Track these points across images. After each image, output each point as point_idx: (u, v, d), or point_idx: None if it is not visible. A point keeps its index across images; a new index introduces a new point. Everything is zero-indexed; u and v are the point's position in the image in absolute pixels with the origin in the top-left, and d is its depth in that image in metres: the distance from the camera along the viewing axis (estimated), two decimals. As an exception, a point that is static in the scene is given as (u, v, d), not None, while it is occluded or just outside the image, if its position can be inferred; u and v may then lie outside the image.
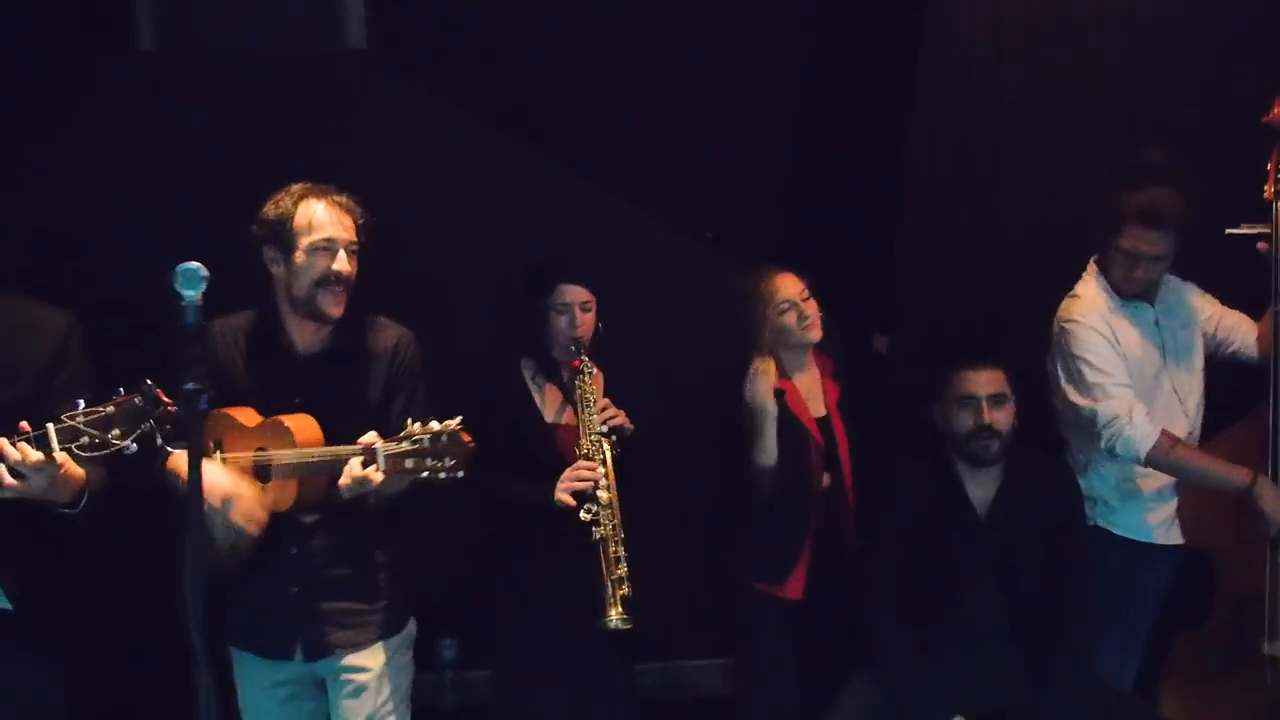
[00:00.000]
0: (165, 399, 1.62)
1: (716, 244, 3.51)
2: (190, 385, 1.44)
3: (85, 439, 1.63)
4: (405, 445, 1.85)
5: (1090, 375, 2.48)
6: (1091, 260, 2.63)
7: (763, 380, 2.44)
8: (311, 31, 3.59)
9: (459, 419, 1.87)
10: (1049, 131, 3.01)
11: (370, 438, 1.88)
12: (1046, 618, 2.35)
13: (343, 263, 2.01)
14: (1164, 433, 2.43)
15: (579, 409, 2.41)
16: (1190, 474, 2.49)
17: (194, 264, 1.46)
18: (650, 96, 3.45)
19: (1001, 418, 2.38)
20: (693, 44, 3.44)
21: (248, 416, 2.03)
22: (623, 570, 2.28)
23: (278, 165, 3.17)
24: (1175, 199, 2.45)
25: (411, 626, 2.19)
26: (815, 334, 2.54)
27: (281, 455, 1.94)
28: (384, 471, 1.85)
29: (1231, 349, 2.65)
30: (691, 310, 3.30)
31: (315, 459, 1.92)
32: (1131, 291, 2.55)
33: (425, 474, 1.85)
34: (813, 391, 2.63)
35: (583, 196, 3.45)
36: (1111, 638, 2.50)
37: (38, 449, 1.65)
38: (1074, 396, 2.50)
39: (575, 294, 2.46)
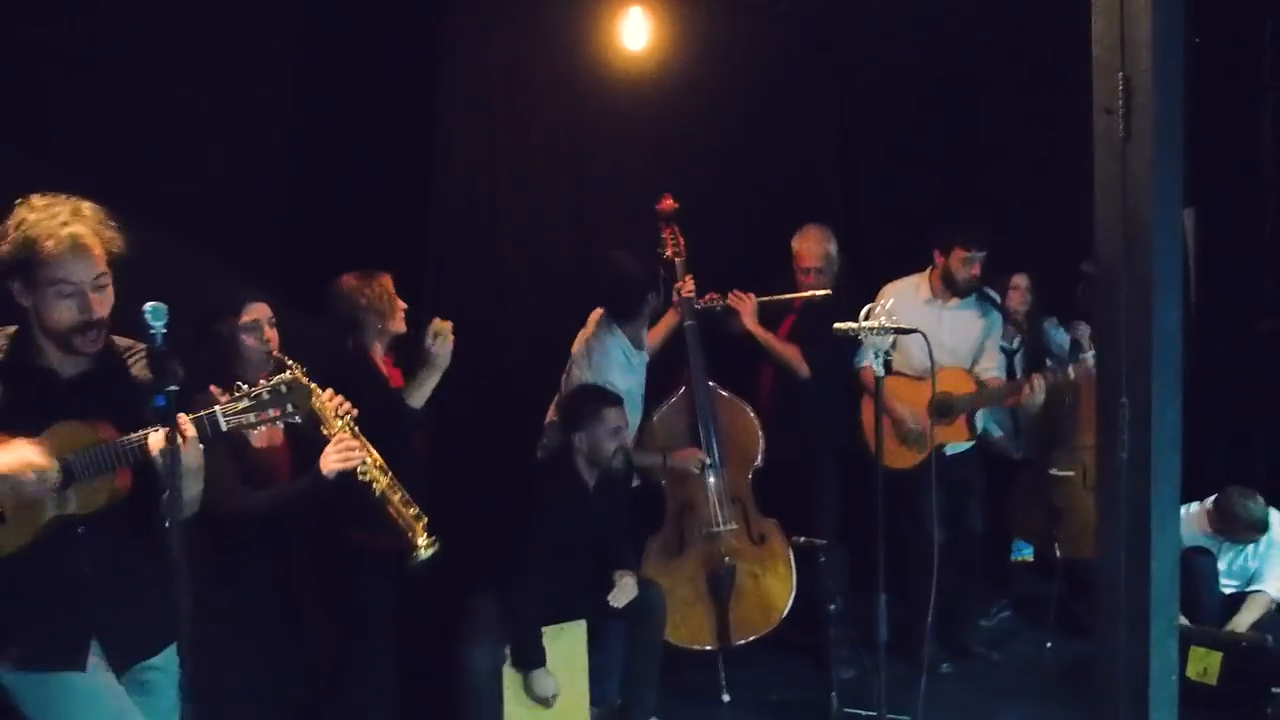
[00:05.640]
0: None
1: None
2: (171, 388, 1.88)
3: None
4: (244, 402, 2.05)
5: None
6: (597, 315, 3.78)
7: (445, 341, 2.96)
8: None
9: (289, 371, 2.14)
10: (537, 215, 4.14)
11: (212, 412, 2.03)
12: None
13: (90, 307, 2.06)
14: None
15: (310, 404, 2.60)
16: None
17: (159, 303, 1.90)
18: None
19: None
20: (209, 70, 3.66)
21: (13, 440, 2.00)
22: (413, 509, 2.67)
23: None
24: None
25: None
26: (402, 327, 3.18)
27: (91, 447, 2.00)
28: (228, 429, 2.02)
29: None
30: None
31: (119, 444, 2.00)
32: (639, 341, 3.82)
33: (266, 426, 2.07)
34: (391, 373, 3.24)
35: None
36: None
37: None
38: None
39: (260, 311, 2.77)
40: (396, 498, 2.70)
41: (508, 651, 3.27)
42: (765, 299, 4.09)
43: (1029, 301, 4.53)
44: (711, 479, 3.85)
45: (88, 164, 3.37)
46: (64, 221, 2.03)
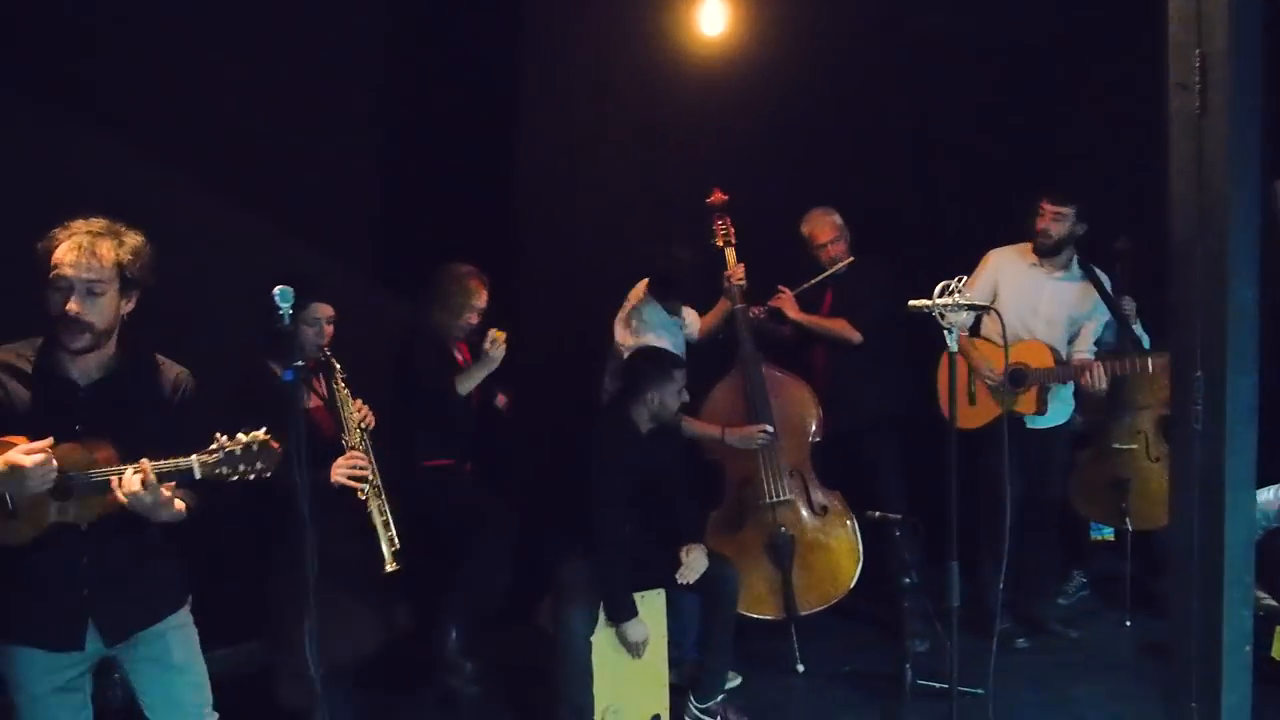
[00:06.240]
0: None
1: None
2: (298, 364, 2.11)
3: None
4: (218, 455, 2.16)
5: None
6: (644, 285, 3.96)
7: (499, 346, 3.59)
8: None
9: (265, 430, 2.19)
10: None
11: (197, 457, 2.16)
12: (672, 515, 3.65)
13: (73, 307, 2.17)
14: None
15: (340, 408, 3.03)
16: (692, 434, 3.95)
17: (286, 286, 2.10)
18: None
19: None
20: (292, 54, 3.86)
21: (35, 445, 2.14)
22: (392, 532, 2.98)
23: None
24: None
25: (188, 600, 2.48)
26: (463, 334, 3.78)
27: (103, 472, 2.15)
28: (200, 477, 2.14)
29: (695, 338, 4.17)
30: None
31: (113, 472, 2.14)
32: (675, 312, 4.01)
33: (237, 477, 2.17)
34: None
35: (202, 201, 3.69)
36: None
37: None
38: None
39: (324, 310, 3.11)
40: (381, 520, 2.96)
41: (601, 612, 3.40)
42: (799, 290, 4.23)
43: None
44: (767, 452, 3.96)
45: (188, 154, 3.62)
46: (85, 231, 2.20)
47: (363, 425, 3.04)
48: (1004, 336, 3.05)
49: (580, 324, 4.29)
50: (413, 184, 4.16)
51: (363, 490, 2.96)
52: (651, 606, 3.52)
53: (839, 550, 4.02)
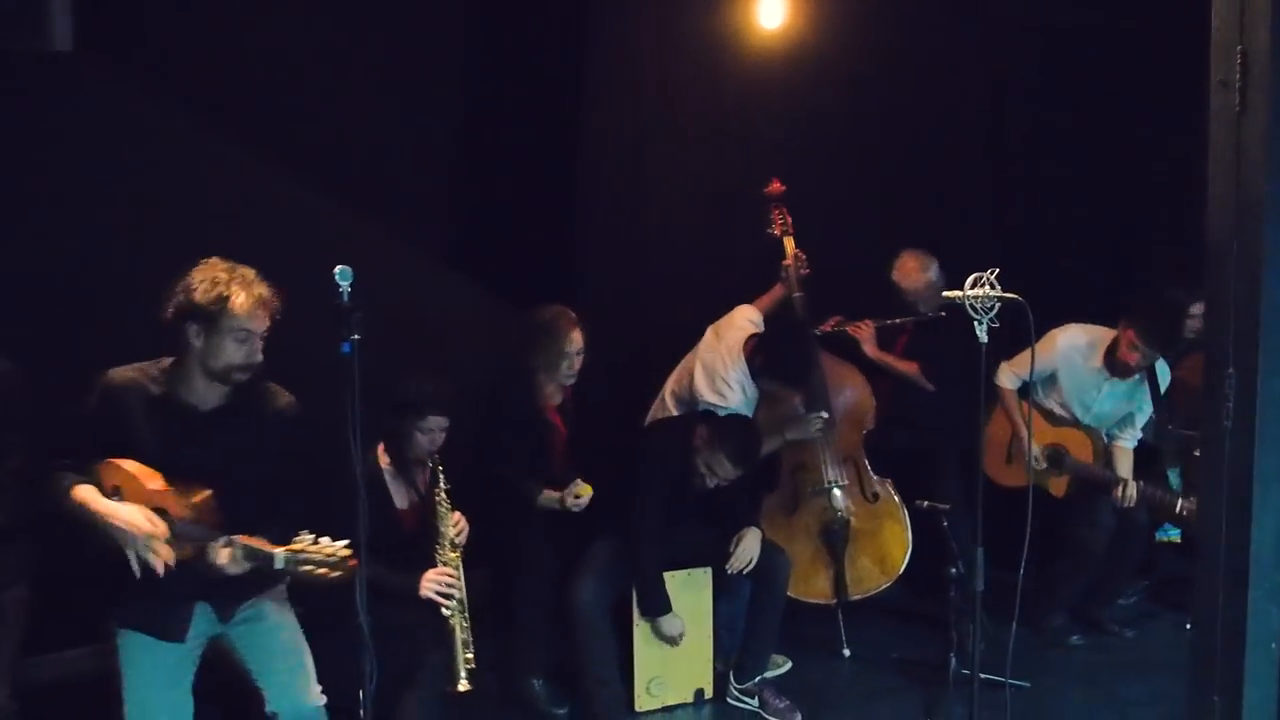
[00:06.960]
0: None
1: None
2: (355, 337, 2.22)
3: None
4: (304, 555, 2.28)
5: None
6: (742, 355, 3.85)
7: (582, 499, 3.48)
8: (15, 32, 3.63)
9: (346, 543, 2.27)
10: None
11: (283, 550, 2.30)
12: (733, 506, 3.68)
13: (255, 353, 2.42)
14: None
15: (436, 518, 3.05)
16: None
17: (347, 266, 2.25)
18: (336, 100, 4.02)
19: None
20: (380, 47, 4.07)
21: (144, 474, 2.34)
22: (469, 654, 2.96)
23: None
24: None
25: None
26: (570, 380, 3.67)
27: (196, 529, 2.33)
28: (282, 570, 2.29)
29: None
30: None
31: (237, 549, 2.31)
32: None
33: (315, 574, 2.29)
34: (552, 395, 3.73)
35: (285, 190, 3.89)
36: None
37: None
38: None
39: (439, 422, 3.13)
40: (461, 639, 2.96)
41: (634, 594, 3.50)
42: (881, 324, 4.23)
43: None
44: (823, 439, 4.00)
45: (269, 149, 3.82)
46: (250, 283, 2.42)
47: (457, 540, 3.03)
48: (1029, 413, 3.14)
49: (645, 323, 4.36)
50: (479, 181, 4.29)
51: (449, 608, 2.95)
52: (697, 583, 3.62)
53: (889, 537, 4.06)
